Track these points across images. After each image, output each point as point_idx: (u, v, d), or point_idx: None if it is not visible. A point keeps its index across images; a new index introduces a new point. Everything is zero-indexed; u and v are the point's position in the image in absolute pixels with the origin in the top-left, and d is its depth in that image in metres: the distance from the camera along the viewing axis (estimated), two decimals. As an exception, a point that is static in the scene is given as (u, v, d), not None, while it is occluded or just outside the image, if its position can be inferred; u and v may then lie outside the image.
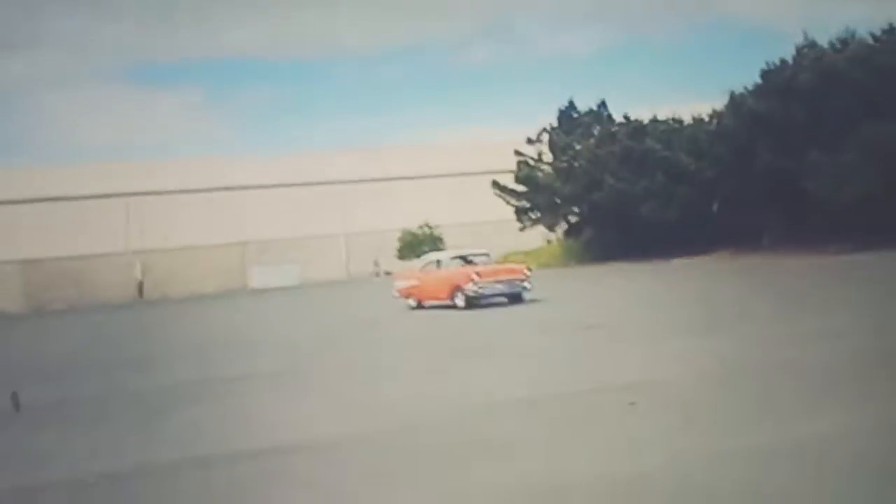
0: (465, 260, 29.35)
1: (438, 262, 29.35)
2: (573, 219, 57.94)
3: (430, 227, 66.20)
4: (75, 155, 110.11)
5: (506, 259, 59.18)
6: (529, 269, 27.85)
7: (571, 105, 58.67)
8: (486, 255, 30.12)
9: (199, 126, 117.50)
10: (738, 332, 15.48)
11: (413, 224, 66.48)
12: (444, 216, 68.21)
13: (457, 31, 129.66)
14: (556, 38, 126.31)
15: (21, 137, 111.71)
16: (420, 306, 28.85)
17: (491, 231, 68.46)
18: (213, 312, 41.74)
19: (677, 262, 43.30)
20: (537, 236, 61.89)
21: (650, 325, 18.17)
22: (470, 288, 26.36)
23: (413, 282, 29.46)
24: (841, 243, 36.75)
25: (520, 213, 59.18)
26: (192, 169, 72.38)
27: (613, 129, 53.52)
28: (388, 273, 69.81)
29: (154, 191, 70.17)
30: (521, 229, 59.52)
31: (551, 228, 59.32)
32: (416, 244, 62.86)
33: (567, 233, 59.40)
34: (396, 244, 66.05)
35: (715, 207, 46.69)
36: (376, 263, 72.27)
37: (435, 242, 63.12)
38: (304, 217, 72.73)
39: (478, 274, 26.63)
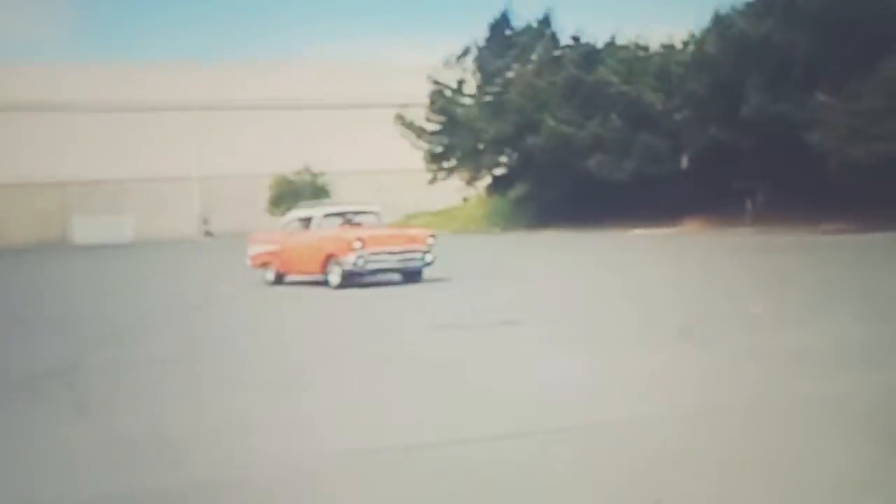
0: (346, 219, 26.64)
1: (308, 220, 26.46)
2: (500, 170, 55.88)
3: (312, 174, 63.60)
4: None
5: (410, 220, 57.06)
6: (433, 237, 25.25)
7: (505, 19, 56.27)
8: (375, 213, 27.37)
9: (13, 25, 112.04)
10: (725, 342, 13.07)
11: (290, 168, 63.77)
12: (332, 160, 65.63)
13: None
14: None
15: None
16: (280, 281, 26.11)
17: (394, 182, 66.24)
18: None
19: (635, 234, 41.45)
20: (453, 192, 59.75)
21: (595, 324, 15.60)
22: (349, 259, 23.55)
23: (272, 247, 26.63)
24: (843, 217, 35.46)
25: (431, 158, 56.82)
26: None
27: (558, 53, 51.39)
28: (209, 234, 67.56)
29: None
30: (432, 180, 57.28)
31: (472, 181, 57.11)
32: (292, 195, 60.09)
33: (492, 188, 57.37)
34: (271, 193, 63.43)
35: (685, 162, 45.04)
36: (205, 221, 69.83)
37: (318, 194, 60.64)
38: (147, 152, 69.25)
39: (361, 240, 23.87)
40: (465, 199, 60.67)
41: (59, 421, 10.00)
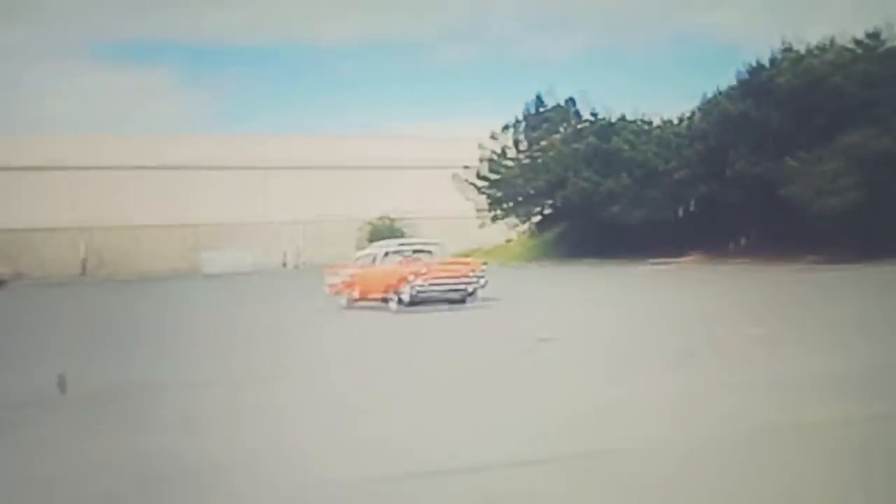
0: (408, 254, 25.36)
1: (375, 256, 25.26)
2: (538, 216, 54.59)
3: (390, 219, 62.59)
4: (37, 127, 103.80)
5: (470, 255, 55.81)
6: (483, 267, 23.84)
7: (539, 100, 54.93)
8: (435, 246, 25.95)
9: (165, 106, 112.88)
10: (729, 362, 11.64)
11: (375, 214, 62.88)
12: (411, 208, 64.63)
13: (434, 30, 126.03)
14: (531, 41, 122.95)
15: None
16: (352, 305, 24.82)
17: (457, 226, 64.98)
18: (109, 299, 37.25)
19: (648, 265, 39.75)
20: (502, 233, 58.42)
21: (614, 343, 14.06)
22: (408, 287, 22.39)
23: (346, 277, 25.43)
24: (813, 253, 33.87)
25: (482, 208, 55.59)
26: (149, 146, 67.88)
27: (581, 127, 50.00)
28: (296, 267, 66.38)
29: (106, 165, 65.55)
30: (481, 225, 55.97)
31: (516, 225, 55.89)
32: (376, 235, 59.09)
33: (532, 230, 56.14)
34: (358, 234, 62.36)
35: (681, 213, 43.46)
36: (285, 254, 68.87)
37: (396, 234, 59.59)
38: (264, 202, 68.76)
39: (420, 271, 22.62)
40: (511, 240, 59.26)
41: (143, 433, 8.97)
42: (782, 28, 64.94)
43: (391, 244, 27.01)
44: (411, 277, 22.29)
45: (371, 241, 57.31)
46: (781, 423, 7.84)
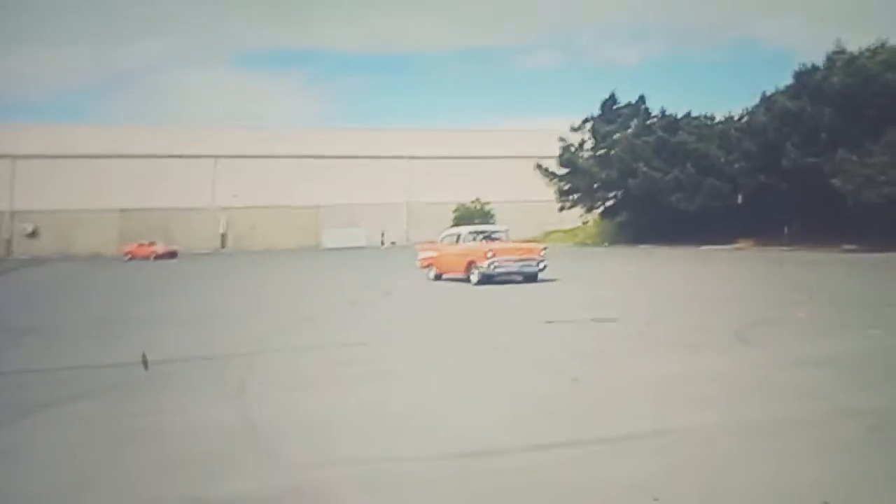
0: (484, 236, 24.99)
1: (458, 236, 24.96)
2: (609, 202, 53.30)
3: (480, 203, 62.10)
4: (182, 121, 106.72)
5: (548, 235, 55.06)
6: (545, 249, 23.34)
7: (613, 97, 53.62)
8: (505, 231, 25.67)
9: (297, 103, 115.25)
10: (778, 344, 10.63)
11: (467, 199, 62.43)
12: (497, 194, 64.12)
13: (519, 41, 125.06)
14: (605, 50, 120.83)
15: (153, 105, 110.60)
16: (438, 278, 24.62)
17: (537, 209, 64.23)
18: (221, 267, 37.70)
19: (703, 249, 38.39)
20: (577, 216, 57.34)
21: (670, 323, 12.80)
22: (484, 265, 22.05)
23: (433, 254, 25.25)
24: (856, 241, 32.06)
25: (561, 194, 54.62)
26: (279, 138, 68.78)
27: (649, 122, 48.52)
28: (393, 243, 66.24)
29: (242, 154, 66.78)
30: (561, 209, 55.05)
31: (589, 210, 54.66)
32: (468, 216, 58.75)
33: (603, 215, 54.81)
34: (454, 215, 62.08)
35: (740, 199, 41.77)
36: (383, 234, 68.75)
37: (485, 216, 59.11)
38: (374, 186, 69.13)
39: (493, 251, 22.25)
40: (585, 222, 58.17)
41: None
42: (832, 35, 62.11)
43: (469, 228, 26.67)
44: (490, 255, 21.94)
45: (461, 222, 57.25)
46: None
